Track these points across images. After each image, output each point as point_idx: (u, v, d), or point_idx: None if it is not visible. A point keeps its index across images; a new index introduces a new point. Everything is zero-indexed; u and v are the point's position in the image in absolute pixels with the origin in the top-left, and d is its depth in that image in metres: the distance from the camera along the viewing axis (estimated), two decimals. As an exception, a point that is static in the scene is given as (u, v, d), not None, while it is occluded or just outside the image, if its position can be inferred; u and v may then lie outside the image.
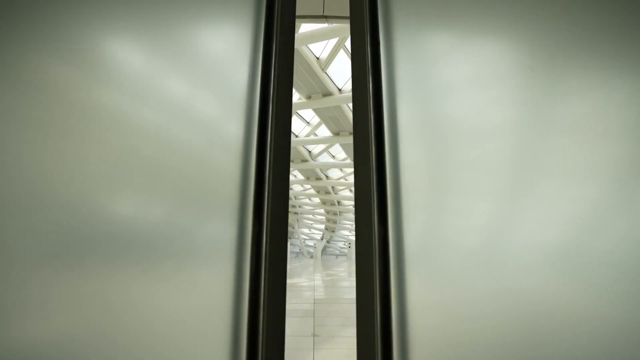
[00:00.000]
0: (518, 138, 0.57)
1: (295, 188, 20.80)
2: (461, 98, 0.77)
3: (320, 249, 23.27)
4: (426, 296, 0.85)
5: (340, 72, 9.63)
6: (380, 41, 1.15)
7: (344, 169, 16.63)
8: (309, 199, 22.88)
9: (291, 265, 14.66)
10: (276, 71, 1.10)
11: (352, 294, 6.69)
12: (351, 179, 17.43)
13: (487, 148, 0.67)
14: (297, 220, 27.76)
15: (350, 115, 11.11)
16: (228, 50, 1.04)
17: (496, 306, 0.64)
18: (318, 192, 20.32)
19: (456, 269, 0.77)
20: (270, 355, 0.92)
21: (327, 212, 24.50)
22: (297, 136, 13.28)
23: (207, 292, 0.86)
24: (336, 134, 12.29)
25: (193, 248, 0.82)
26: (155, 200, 0.74)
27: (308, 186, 19.87)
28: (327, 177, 17.96)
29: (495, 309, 0.64)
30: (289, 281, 8.91)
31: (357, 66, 1.18)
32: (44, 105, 0.50)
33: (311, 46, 8.51)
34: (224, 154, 0.96)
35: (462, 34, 0.80)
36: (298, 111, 11.80)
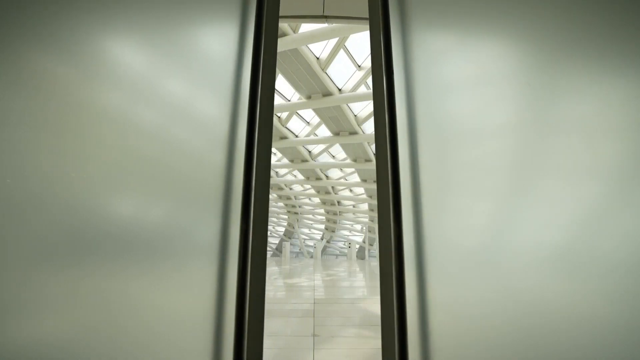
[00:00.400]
0: (535, 137, 0.56)
1: (295, 188, 20.80)
2: (474, 97, 0.76)
3: (320, 249, 23.30)
4: (439, 294, 0.86)
5: (340, 72, 9.63)
6: (393, 42, 1.17)
7: (344, 169, 16.63)
8: (309, 199, 22.87)
9: (291, 265, 14.66)
10: (263, 73, 1.13)
11: (352, 294, 6.69)
12: (351, 179, 17.43)
13: (502, 147, 0.66)
14: (297, 220, 27.76)
15: (350, 115, 11.11)
16: (219, 51, 1.04)
17: (500, 306, 0.64)
18: (318, 192, 20.31)
19: (463, 268, 0.77)
20: (254, 352, 0.95)
21: (327, 212, 24.50)
22: (297, 136, 13.28)
23: (197, 290, 0.86)
24: (336, 134, 12.29)
25: (183, 247, 0.83)
26: (149, 199, 0.74)
27: (308, 186, 19.87)
28: (327, 177, 17.95)
29: (499, 309, 0.64)
30: (289, 281, 8.91)
31: (376, 69, 1.21)
32: (40, 104, 0.50)
33: (311, 46, 8.51)
34: (214, 152, 0.97)
35: (472, 33, 0.80)
36: (298, 111, 11.80)
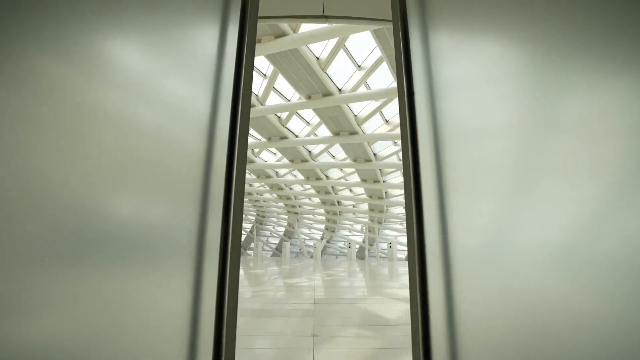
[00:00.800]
0: (565, 135, 0.55)
1: (295, 188, 20.80)
2: (497, 96, 0.76)
3: (320, 249, 23.30)
4: (462, 294, 0.88)
5: (341, 72, 9.63)
6: (412, 42, 1.19)
7: (344, 169, 16.63)
8: (309, 199, 22.88)
9: (291, 265, 14.65)
10: (244, 73, 1.18)
11: (352, 294, 6.70)
12: (351, 179, 17.43)
13: (527, 147, 0.66)
14: (297, 220, 27.77)
15: (350, 115, 11.11)
16: (204, 47, 1.06)
17: (523, 306, 0.63)
18: (318, 192, 20.31)
19: (485, 267, 0.77)
20: (230, 350, 0.98)
21: (327, 212, 24.50)
22: (297, 136, 13.28)
23: (177, 287, 0.87)
24: (336, 134, 12.29)
25: (163, 243, 0.83)
26: (128, 195, 0.73)
27: (308, 186, 19.87)
28: (327, 177, 17.95)
29: (524, 309, 0.63)
30: (289, 281, 8.91)
31: (399, 70, 1.26)
32: (29, 100, 0.50)
33: (311, 46, 8.51)
34: (196, 151, 0.98)
35: (491, 32, 0.80)
36: (298, 111, 11.80)
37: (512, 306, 0.66)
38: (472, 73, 0.87)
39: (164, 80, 0.85)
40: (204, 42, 1.04)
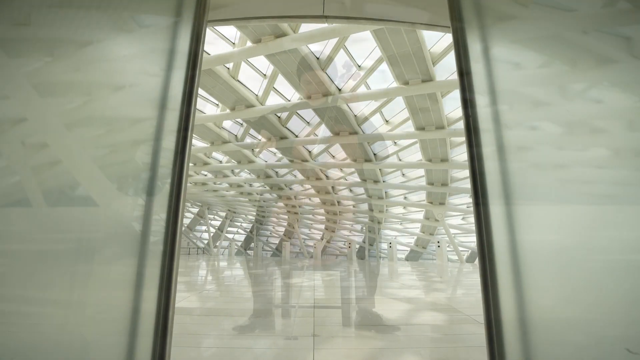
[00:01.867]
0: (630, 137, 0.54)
1: (295, 188, 20.78)
2: (562, 102, 0.75)
3: (320, 249, 23.27)
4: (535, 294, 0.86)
5: (341, 72, 9.61)
6: (470, 46, 1.22)
7: (344, 169, 16.61)
8: (309, 199, 22.84)
9: (291, 265, 14.65)
10: (197, 77, 1.26)
11: (352, 294, 6.70)
12: (351, 179, 17.42)
13: (597, 148, 0.64)
14: (297, 220, 27.73)
15: (350, 115, 11.11)
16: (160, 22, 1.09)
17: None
18: (318, 192, 20.29)
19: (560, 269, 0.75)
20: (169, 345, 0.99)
21: (327, 212, 24.47)
22: (297, 136, 13.27)
23: (119, 283, 0.87)
24: (336, 134, 12.27)
25: (105, 232, 0.82)
26: (66, 187, 0.69)
27: (308, 186, 19.85)
28: (327, 177, 17.93)
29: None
30: (289, 281, 8.91)
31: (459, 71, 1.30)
32: None
33: (311, 46, 8.51)
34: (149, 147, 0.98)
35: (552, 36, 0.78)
36: (298, 111, 11.79)
37: (588, 309, 0.63)
38: (537, 76, 0.85)
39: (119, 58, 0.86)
40: (161, 29, 1.08)
